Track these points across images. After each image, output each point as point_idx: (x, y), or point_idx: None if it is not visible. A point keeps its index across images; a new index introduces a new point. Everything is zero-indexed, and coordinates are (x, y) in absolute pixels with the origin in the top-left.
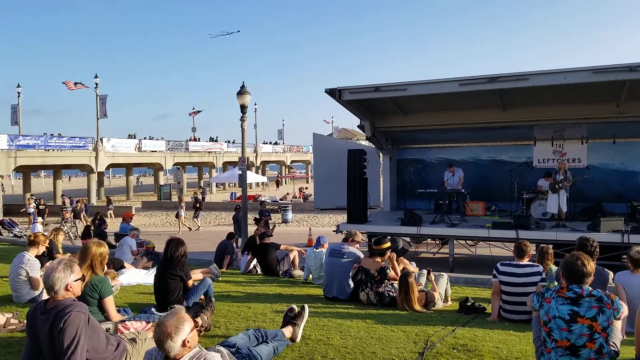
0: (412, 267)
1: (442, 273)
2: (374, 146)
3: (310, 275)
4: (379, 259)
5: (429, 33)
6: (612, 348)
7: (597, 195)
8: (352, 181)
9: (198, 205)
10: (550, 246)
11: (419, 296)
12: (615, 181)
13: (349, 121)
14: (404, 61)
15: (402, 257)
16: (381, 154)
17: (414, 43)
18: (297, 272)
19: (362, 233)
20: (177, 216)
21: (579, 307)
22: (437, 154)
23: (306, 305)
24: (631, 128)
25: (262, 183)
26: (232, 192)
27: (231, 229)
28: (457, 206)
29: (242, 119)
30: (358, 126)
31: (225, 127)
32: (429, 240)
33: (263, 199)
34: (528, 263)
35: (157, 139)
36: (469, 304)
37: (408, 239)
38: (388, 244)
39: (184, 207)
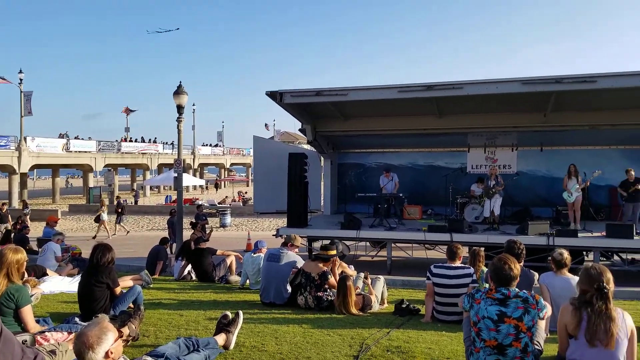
0: (351, 271)
1: (379, 276)
2: (315, 150)
3: (248, 281)
4: (321, 264)
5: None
6: (536, 347)
7: (526, 200)
8: (293, 185)
9: (120, 209)
10: (482, 249)
11: (356, 299)
12: (542, 187)
13: (291, 124)
14: (346, 68)
15: (341, 261)
16: (322, 158)
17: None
18: (234, 278)
19: (302, 237)
20: (97, 220)
21: (506, 307)
22: (377, 158)
23: (240, 312)
24: (557, 137)
25: (200, 186)
26: (167, 196)
27: (166, 233)
28: (395, 210)
29: (179, 120)
30: (300, 130)
31: (163, 128)
32: (367, 243)
33: (200, 202)
34: (460, 265)
35: (86, 139)
36: (404, 306)
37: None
38: (334, 251)
39: (107, 211)
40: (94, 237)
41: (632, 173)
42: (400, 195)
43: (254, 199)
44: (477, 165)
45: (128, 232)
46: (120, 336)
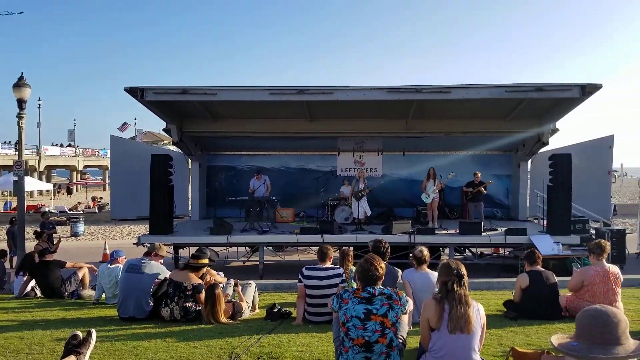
0: (220, 278)
1: (249, 281)
2: (182, 151)
3: (104, 295)
4: (192, 274)
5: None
6: (400, 341)
7: (390, 202)
8: (156, 189)
9: None
10: (351, 248)
11: (226, 307)
12: (404, 189)
13: (156, 124)
14: (211, 62)
15: (209, 268)
16: (190, 160)
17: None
18: (87, 292)
19: (167, 245)
20: None
21: (372, 305)
22: (249, 161)
23: (93, 330)
24: (417, 142)
25: (47, 191)
26: (6, 202)
27: (5, 245)
28: (267, 213)
29: (20, 116)
30: (164, 130)
31: (5, 126)
32: (238, 248)
33: (46, 209)
34: (330, 266)
35: None
36: (275, 310)
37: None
38: (206, 260)
39: None
40: None
41: (479, 175)
42: (273, 198)
43: (111, 205)
44: (347, 169)
45: None
46: None
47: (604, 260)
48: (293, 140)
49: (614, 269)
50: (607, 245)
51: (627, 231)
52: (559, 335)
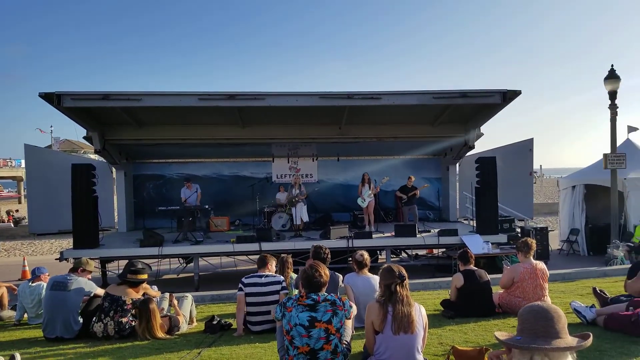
0: (154, 292)
1: (185, 294)
2: (105, 160)
3: (26, 315)
4: (130, 290)
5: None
6: (344, 346)
7: (327, 207)
8: (78, 200)
9: None
10: (290, 255)
11: (162, 322)
12: (340, 194)
13: (74, 131)
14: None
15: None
16: (114, 170)
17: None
18: (7, 313)
19: (93, 259)
20: None
21: (316, 312)
22: (179, 169)
23: (17, 354)
24: (351, 148)
25: None
26: None
27: None
28: (201, 223)
29: None
30: (84, 137)
31: None
32: (171, 260)
33: None
34: (270, 274)
35: None
36: (214, 322)
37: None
38: (145, 276)
39: None
40: None
41: (412, 180)
42: (206, 207)
43: (28, 218)
44: (282, 175)
45: None
46: None
47: (531, 257)
48: (225, 147)
49: (541, 265)
50: (534, 243)
51: (549, 229)
52: (501, 332)
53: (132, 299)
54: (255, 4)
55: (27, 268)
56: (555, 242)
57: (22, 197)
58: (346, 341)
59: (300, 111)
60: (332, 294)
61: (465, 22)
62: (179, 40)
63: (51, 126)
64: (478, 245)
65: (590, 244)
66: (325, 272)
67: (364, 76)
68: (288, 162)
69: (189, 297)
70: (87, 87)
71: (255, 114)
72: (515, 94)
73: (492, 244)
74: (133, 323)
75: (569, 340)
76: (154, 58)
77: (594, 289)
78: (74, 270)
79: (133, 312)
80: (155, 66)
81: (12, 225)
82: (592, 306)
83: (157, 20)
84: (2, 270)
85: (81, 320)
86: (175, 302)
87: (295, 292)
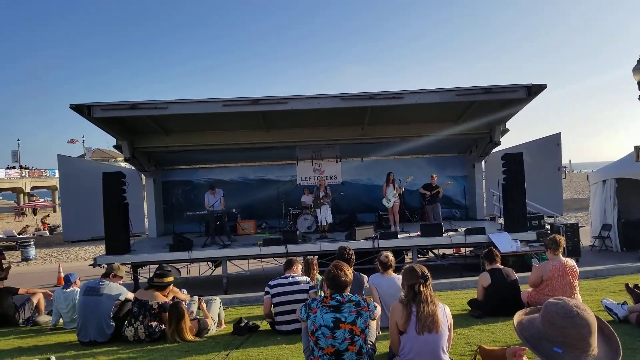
0: (183, 295)
1: (214, 297)
2: (135, 168)
3: (61, 320)
4: (158, 293)
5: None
6: (369, 346)
7: (352, 208)
8: (110, 207)
9: None
10: (315, 257)
11: (191, 325)
12: (364, 194)
13: (105, 140)
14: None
15: (171, 286)
16: (144, 177)
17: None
18: (44, 318)
19: (125, 264)
20: None
21: (341, 313)
22: (206, 174)
23: (53, 357)
24: (374, 148)
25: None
26: None
27: None
28: (228, 226)
29: None
30: (114, 146)
31: None
32: (200, 264)
33: None
34: (296, 275)
35: None
36: (242, 324)
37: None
38: (171, 279)
39: None
40: None
41: (435, 178)
42: (233, 210)
43: (63, 226)
44: (307, 177)
45: None
46: None
47: (560, 255)
48: (250, 151)
49: (571, 262)
50: (562, 239)
51: (579, 225)
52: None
53: (158, 303)
54: (270, 8)
55: (62, 274)
56: (586, 239)
57: (57, 206)
58: (371, 342)
59: (322, 113)
60: (356, 295)
61: (488, 16)
62: (198, 45)
63: (83, 136)
64: (506, 243)
65: (623, 239)
66: (348, 271)
67: (385, 76)
68: (312, 165)
69: (217, 300)
70: (112, 96)
71: (279, 118)
72: (540, 88)
73: (521, 241)
74: (163, 326)
75: (594, 350)
76: (174, 63)
77: (627, 285)
78: (106, 275)
79: (161, 315)
80: (178, 71)
81: (48, 233)
82: (624, 303)
83: (174, 25)
84: (39, 277)
85: (113, 324)
86: (204, 305)
87: (322, 292)
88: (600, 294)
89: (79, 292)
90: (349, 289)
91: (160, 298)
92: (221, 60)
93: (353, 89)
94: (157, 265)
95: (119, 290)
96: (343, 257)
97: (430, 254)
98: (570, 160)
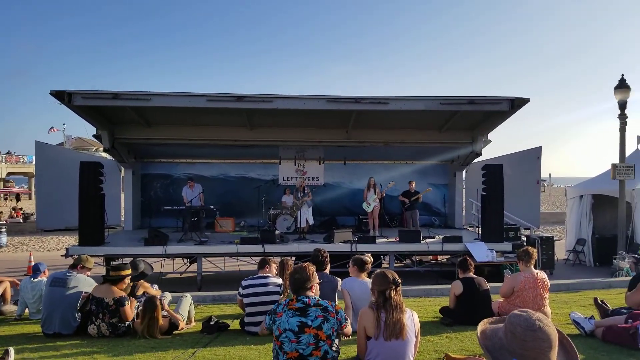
0: (154, 290)
1: (185, 294)
2: (114, 159)
3: (27, 310)
4: (114, 288)
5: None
6: (334, 351)
7: (332, 210)
8: (85, 197)
9: None
10: (292, 258)
11: (162, 322)
12: (346, 197)
13: (85, 129)
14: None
15: (142, 281)
16: (122, 168)
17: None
18: (9, 308)
19: (98, 256)
20: None
21: (307, 317)
22: (186, 169)
23: (11, 349)
24: (358, 152)
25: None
26: None
27: None
28: (206, 223)
29: None
30: (94, 136)
31: None
32: (175, 260)
33: None
34: (269, 275)
35: None
36: (212, 322)
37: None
38: (128, 271)
39: None
40: None
41: (414, 185)
42: (212, 207)
43: (36, 214)
44: (288, 177)
45: None
46: None
47: (532, 267)
48: (233, 148)
49: (542, 274)
50: (534, 252)
51: (555, 238)
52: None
53: (114, 298)
54: (262, 8)
55: (32, 263)
56: (561, 252)
57: (33, 193)
58: (336, 345)
59: (307, 114)
60: (325, 300)
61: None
62: (186, 43)
63: (64, 124)
64: (482, 253)
65: (597, 254)
66: (310, 268)
67: (372, 80)
68: (295, 165)
69: (188, 296)
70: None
71: (263, 116)
72: (523, 101)
73: (497, 252)
74: (127, 322)
75: None
76: (161, 60)
77: (595, 299)
78: (73, 267)
79: (119, 311)
80: (163, 68)
81: (21, 221)
82: (592, 317)
83: (164, 23)
84: (10, 265)
85: (79, 317)
86: (167, 306)
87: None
88: (570, 307)
89: (46, 282)
90: (309, 287)
91: (117, 293)
92: (206, 55)
93: (340, 90)
94: (131, 260)
95: (86, 282)
96: (317, 259)
97: (407, 260)
98: (550, 174)
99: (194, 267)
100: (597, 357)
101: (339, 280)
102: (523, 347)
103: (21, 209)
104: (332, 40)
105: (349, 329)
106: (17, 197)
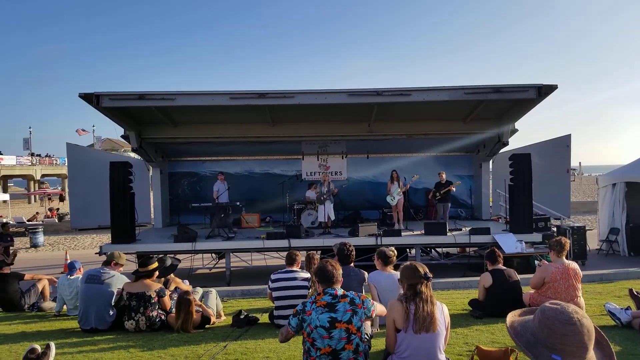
0: (185, 286)
1: (210, 289)
2: (142, 158)
3: (65, 307)
4: (149, 282)
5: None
6: (365, 344)
7: (356, 204)
8: (116, 197)
9: None
10: (318, 252)
11: (196, 317)
12: (369, 191)
13: (115, 130)
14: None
15: (173, 276)
16: (151, 167)
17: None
18: (48, 304)
19: (130, 254)
20: None
21: (336, 312)
22: (212, 167)
23: (52, 343)
24: (380, 145)
25: (4, 201)
26: None
27: None
28: (232, 219)
29: None
30: (122, 136)
31: None
32: (204, 255)
33: (4, 220)
34: (297, 269)
35: None
36: (242, 316)
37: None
38: (155, 265)
39: None
40: None
41: (444, 175)
42: (238, 203)
43: (70, 214)
44: (312, 172)
45: None
46: None
47: (564, 257)
48: (256, 145)
49: (574, 265)
50: (567, 242)
51: (587, 228)
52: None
53: (155, 290)
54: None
55: (68, 262)
56: (594, 242)
57: (66, 194)
58: (366, 338)
59: (329, 109)
60: (351, 292)
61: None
62: (207, 41)
63: (93, 125)
64: (511, 244)
65: (631, 244)
66: (337, 266)
67: (393, 72)
68: (318, 160)
69: (213, 291)
70: (123, 87)
71: (285, 112)
72: (551, 88)
73: (526, 243)
74: (163, 317)
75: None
76: (183, 58)
77: (631, 290)
78: (107, 263)
79: (160, 301)
80: (184, 66)
81: (56, 221)
82: (628, 308)
83: (188, 21)
84: (47, 263)
85: (114, 312)
86: (199, 301)
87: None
88: (605, 298)
89: (81, 279)
90: (339, 284)
91: (155, 285)
92: (225, 54)
93: (360, 84)
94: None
95: (120, 278)
96: (342, 254)
97: (433, 252)
98: (580, 163)
99: (222, 262)
100: (634, 349)
101: (365, 273)
102: (563, 342)
103: (57, 209)
104: (354, 37)
105: (377, 310)
106: (61, 198)
